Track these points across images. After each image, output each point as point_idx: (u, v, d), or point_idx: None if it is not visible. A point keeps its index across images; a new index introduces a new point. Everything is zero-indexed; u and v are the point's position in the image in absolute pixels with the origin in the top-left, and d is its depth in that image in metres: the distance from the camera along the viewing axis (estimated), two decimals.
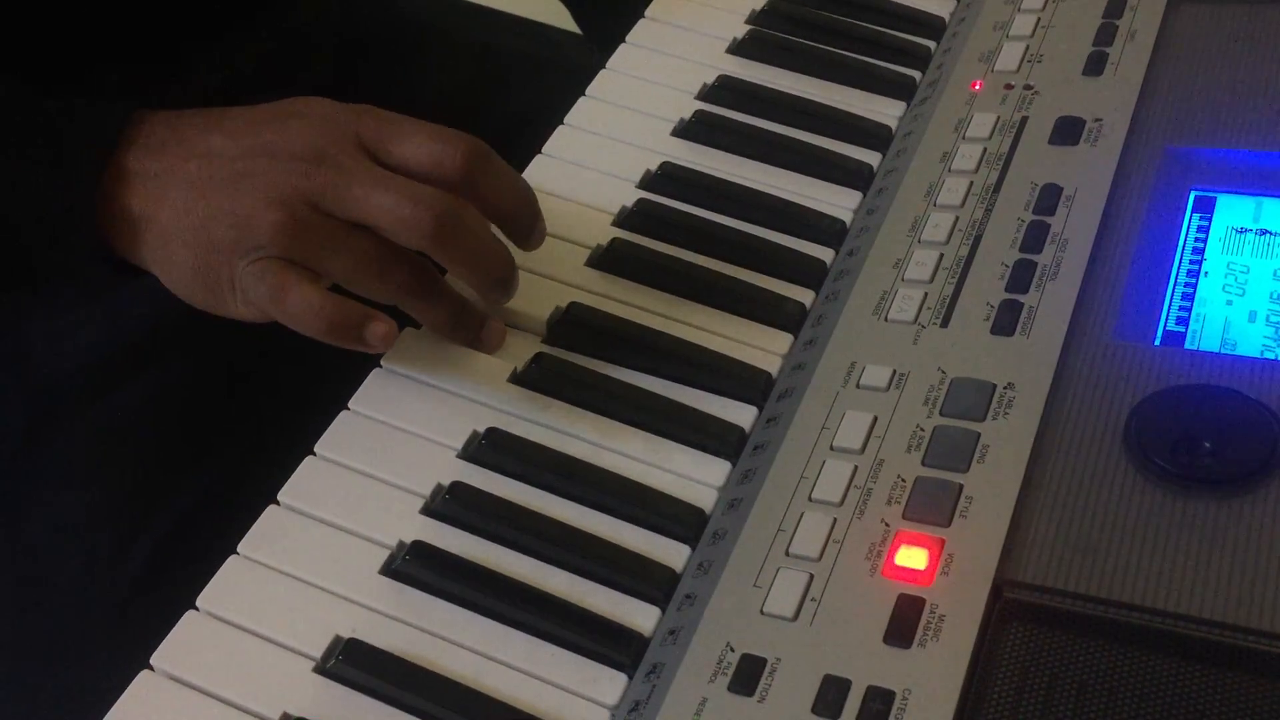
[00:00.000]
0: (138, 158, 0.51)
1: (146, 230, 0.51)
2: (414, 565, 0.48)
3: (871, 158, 0.64)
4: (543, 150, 0.64)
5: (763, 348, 0.56)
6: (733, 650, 0.45)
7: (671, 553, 0.49)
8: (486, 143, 0.73)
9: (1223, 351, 0.52)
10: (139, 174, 0.51)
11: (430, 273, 0.52)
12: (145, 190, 0.50)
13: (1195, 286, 0.55)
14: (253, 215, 0.49)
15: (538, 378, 0.55)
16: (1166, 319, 0.54)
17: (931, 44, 0.69)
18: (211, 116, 0.53)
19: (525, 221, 0.54)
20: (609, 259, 0.59)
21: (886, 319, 0.55)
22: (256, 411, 0.64)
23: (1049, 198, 0.58)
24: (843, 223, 0.61)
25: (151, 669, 0.46)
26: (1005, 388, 0.51)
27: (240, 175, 0.50)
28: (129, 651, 0.47)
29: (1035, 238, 0.56)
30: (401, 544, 0.49)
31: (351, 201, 0.49)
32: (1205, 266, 0.56)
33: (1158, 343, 0.53)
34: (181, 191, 0.50)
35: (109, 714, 0.44)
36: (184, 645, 0.46)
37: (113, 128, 0.51)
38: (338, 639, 0.46)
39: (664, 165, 0.63)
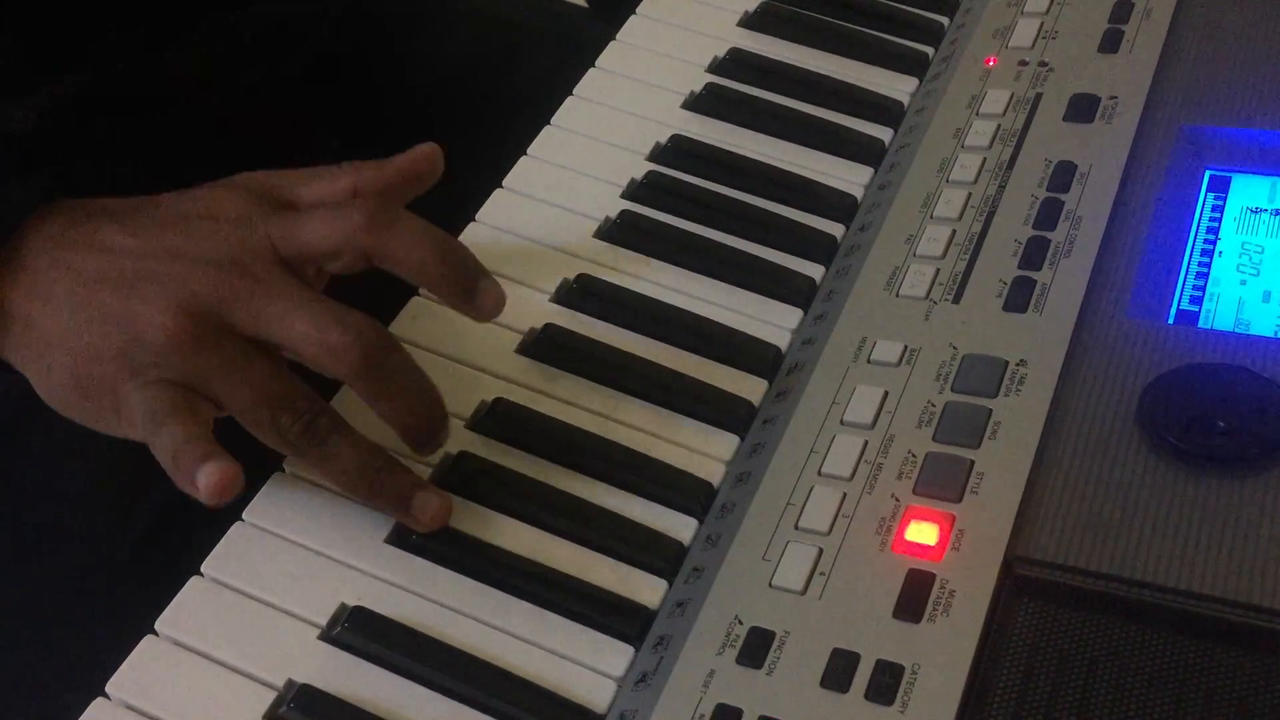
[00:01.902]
0: (31, 249, 0.46)
1: (23, 331, 0.46)
2: (421, 534, 0.48)
3: (883, 133, 0.63)
4: (551, 121, 0.63)
5: (773, 322, 0.55)
6: (741, 623, 0.45)
7: (679, 526, 0.49)
8: (490, 118, 0.72)
9: (1236, 331, 0.52)
10: (28, 267, 0.46)
11: (335, 425, 0.46)
12: (29, 285, 0.46)
13: (1209, 266, 0.55)
14: (147, 322, 0.44)
15: (545, 349, 0.54)
16: (1180, 298, 0.53)
17: (945, 20, 0.69)
18: (119, 210, 0.48)
19: (456, 278, 0.48)
20: (618, 231, 0.59)
21: (898, 294, 0.55)
22: None
23: (1063, 175, 0.57)
24: (854, 198, 0.61)
25: (156, 634, 0.45)
26: (1017, 364, 0.51)
27: (138, 276, 0.45)
28: (132, 617, 0.46)
29: (1049, 215, 0.56)
30: None
31: (267, 319, 0.45)
32: (1220, 246, 0.55)
33: (1171, 321, 0.52)
34: (68, 290, 0.45)
35: (113, 678, 0.44)
36: (188, 611, 0.46)
37: (14, 217, 0.47)
38: (343, 606, 0.46)
39: (674, 138, 0.63)
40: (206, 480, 0.43)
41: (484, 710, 0.44)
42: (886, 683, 0.42)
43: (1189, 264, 0.54)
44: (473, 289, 0.48)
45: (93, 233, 0.47)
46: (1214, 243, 0.55)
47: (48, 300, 0.46)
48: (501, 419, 0.52)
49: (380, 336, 0.46)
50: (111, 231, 0.47)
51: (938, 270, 0.55)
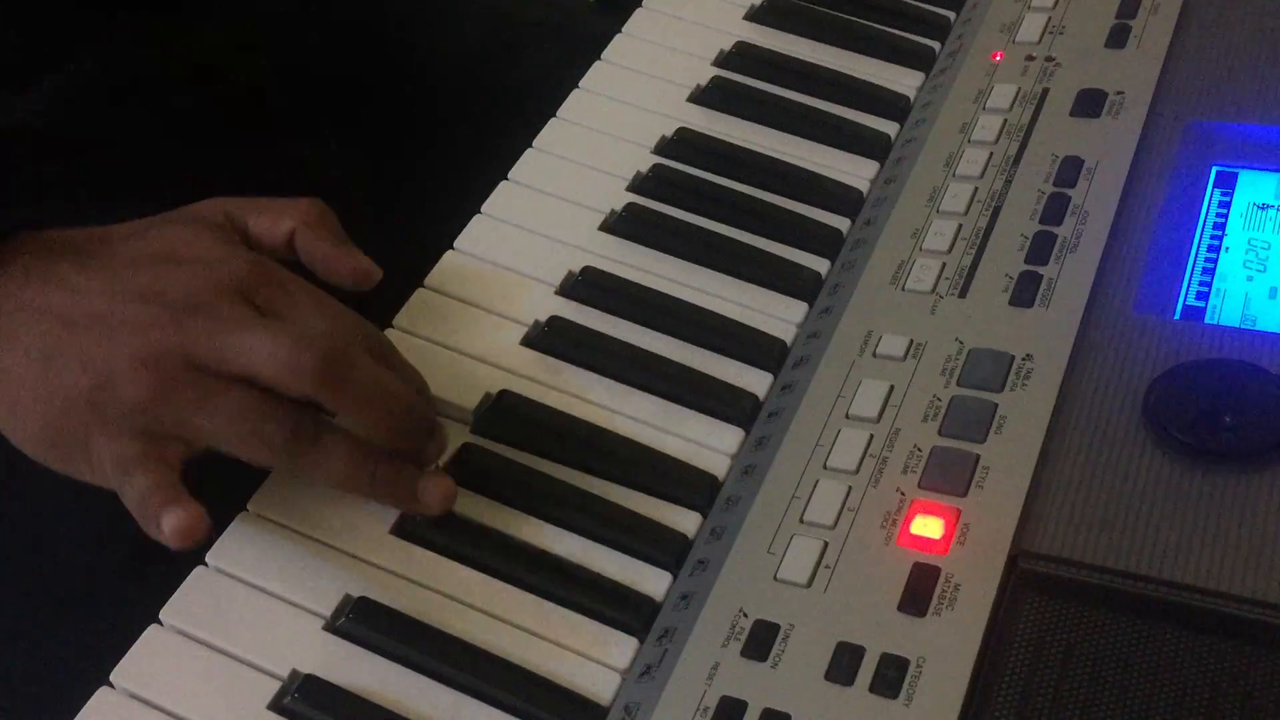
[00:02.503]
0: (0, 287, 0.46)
1: None
2: (426, 526, 0.48)
3: (889, 127, 0.63)
4: (557, 114, 0.63)
5: (778, 316, 0.55)
6: (746, 616, 0.45)
7: (683, 518, 0.49)
8: (495, 110, 0.71)
9: (1243, 327, 0.52)
10: None
11: (322, 425, 0.45)
12: None
13: (1216, 262, 0.55)
14: (116, 373, 0.44)
15: (550, 341, 0.54)
16: (1187, 293, 0.53)
17: (951, 14, 0.69)
18: (82, 245, 0.48)
19: (405, 438, 0.47)
20: (623, 224, 0.59)
21: (904, 288, 0.54)
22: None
23: (1069, 170, 0.57)
24: (859, 192, 0.60)
25: (160, 624, 0.45)
26: (1023, 359, 0.50)
27: (104, 320, 0.44)
28: (135, 608, 0.46)
29: (1055, 210, 0.56)
30: None
31: (226, 350, 0.44)
32: (1226, 242, 0.55)
33: (1177, 317, 0.52)
34: (36, 332, 0.45)
35: (117, 668, 0.44)
36: (192, 601, 0.46)
37: None
38: (347, 597, 0.46)
39: (680, 131, 0.63)
40: (171, 526, 0.43)
41: (488, 702, 0.44)
42: (891, 676, 0.42)
43: (1195, 260, 0.54)
44: (418, 451, 0.47)
45: (57, 270, 0.46)
46: (1220, 239, 0.55)
47: (13, 342, 0.45)
48: (506, 411, 0.52)
49: (337, 345, 0.44)
50: (75, 270, 0.46)
51: (944, 264, 0.55)
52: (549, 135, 0.62)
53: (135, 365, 0.44)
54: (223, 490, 0.49)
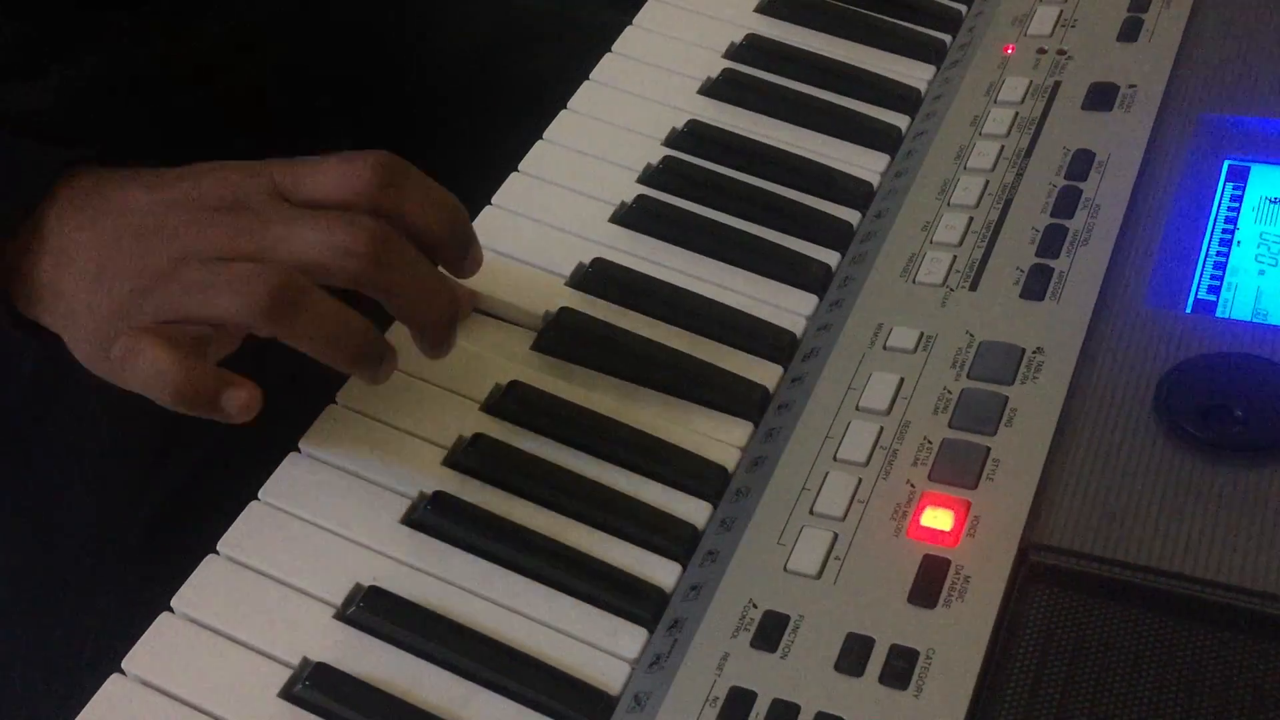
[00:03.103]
0: (54, 216, 0.48)
1: (52, 298, 0.48)
2: (435, 516, 0.48)
3: (900, 120, 0.63)
4: (568, 106, 0.63)
5: (788, 308, 0.55)
6: (755, 606, 0.45)
7: (693, 509, 0.49)
8: (505, 102, 0.71)
9: (1254, 320, 0.52)
10: (52, 234, 0.47)
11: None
12: (56, 251, 0.47)
13: (1227, 255, 0.54)
14: (159, 277, 0.45)
15: (560, 333, 0.54)
16: (1198, 287, 0.53)
17: (963, 7, 0.69)
18: (135, 171, 0.49)
19: (457, 241, 0.48)
20: (634, 216, 0.59)
21: (915, 281, 0.54)
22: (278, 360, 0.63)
23: (1081, 163, 0.57)
24: (870, 185, 0.60)
25: (171, 612, 0.46)
26: (1034, 352, 0.50)
27: (150, 231, 0.46)
28: (146, 597, 0.46)
29: (1067, 203, 0.56)
30: (423, 494, 0.49)
31: (271, 242, 0.45)
32: (1238, 236, 0.55)
33: (1189, 310, 0.52)
34: (90, 252, 0.47)
35: (128, 655, 0.44)
36: (204, 589, 0.46)
37: (40, 183, 0.48)
38: (359, 586, 0.46)
39: (690, 123, 0.63)
40: (236, 402, 0.44)
41: (498, 691, 0.44)
42: (901, 667, 0.42)
43: (1207, 253, 0.54)
44: (466, 251, 0.49)
45: (114, 194, 0.48)
46: (1232, 232, 0.55)
47: (69, 264, 0.47)
48: (517, 402, 0.52)
49: (386, 229, 0.45)
50: (125, 190, 0.48)
51: (955, 257, 0.55)
52: (559, 127, 0.62)
53: (174, 270, 0.45)
54: (233, 480, 0.49)
